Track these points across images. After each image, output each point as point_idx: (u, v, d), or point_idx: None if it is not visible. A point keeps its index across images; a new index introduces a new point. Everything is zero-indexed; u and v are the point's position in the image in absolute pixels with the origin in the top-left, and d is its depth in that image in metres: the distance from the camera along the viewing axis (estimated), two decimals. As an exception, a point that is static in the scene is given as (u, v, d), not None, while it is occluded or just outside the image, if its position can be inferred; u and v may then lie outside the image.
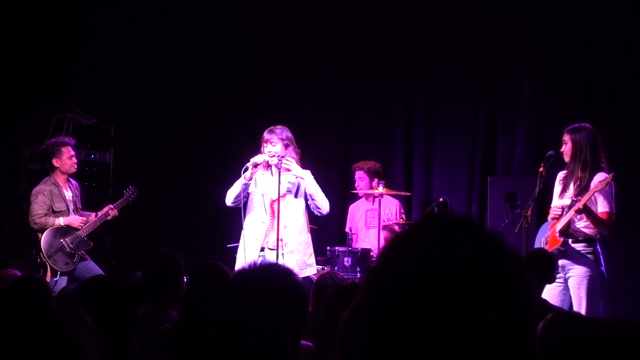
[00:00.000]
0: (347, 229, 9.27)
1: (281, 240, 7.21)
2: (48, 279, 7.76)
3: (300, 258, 7.26)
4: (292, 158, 7.31)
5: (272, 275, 2.47)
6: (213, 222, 9.75)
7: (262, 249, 7.28)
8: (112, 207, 8.18)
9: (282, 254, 7.24)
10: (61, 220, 7.93)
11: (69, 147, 8.09)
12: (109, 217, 8.16)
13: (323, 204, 7.36)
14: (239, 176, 7.21)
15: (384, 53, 10.04)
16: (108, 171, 9.64)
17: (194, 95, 10.23)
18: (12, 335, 1.29)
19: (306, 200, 7.37)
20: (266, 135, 7.30)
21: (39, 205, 7.92)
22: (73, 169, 8.11)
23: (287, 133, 7.33)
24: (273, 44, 10.06)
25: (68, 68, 9.89)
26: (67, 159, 8.04)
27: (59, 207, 7.99)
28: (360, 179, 9.07)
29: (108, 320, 3.26)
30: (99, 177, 9.53)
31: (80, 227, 7.98)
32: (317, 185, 7.37)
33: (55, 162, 8.04)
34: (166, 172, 10.12)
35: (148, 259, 4.91)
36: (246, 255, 7.20)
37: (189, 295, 4.21)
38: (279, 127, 7.34)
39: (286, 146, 7.30)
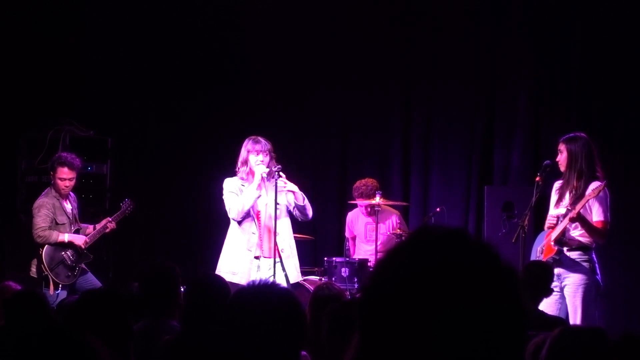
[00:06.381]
0: (346, 234, 9.19)
1: (278, 248, 7.26)
2: (51, 292, 7.75)
3: (296, 262, 7.39)
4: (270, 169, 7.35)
5: (271, 294, 2.53)
6: (210, 234, 9.75)
7: (257, 258, 7.30)
8: (110, 219, 8.18)
9: (281, 262, 7.27)
10: (65, 237, 7.86)
11: (65, 168, 7.93)
12: (107, 230, 8.17)
13: (309, 210, 7.40)
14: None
15: (381, 61, 10.02)
16: (105, 183, 9.59)
17: (191, 109, 10.22)
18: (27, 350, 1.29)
19: (287, 208, 7.41)
20: (255, 146, 7.28)
21: (42, 218, 7.84)
22: (63, 191, 7.98)
23: (270, 145, 7.36)
24: (271, 58, 10.06)
25: (65, 80, 9.88)
26: (57, 180, 7.93)
27: (61, 220, 7.94)
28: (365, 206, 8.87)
29: (101, 334, 3.26)
30: (96, 189, 9.49)
31: (82, 246, 7.93)
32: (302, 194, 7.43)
33: (51, 178, 8.02)
34: (163, 184, 10.11)
35: (144, 271, 4.92)
36: (239, 266, 7.20)
37: (189, 307, 4.22)
38: (261, 137, 7.36)
39: (271, 158, 7.35)
